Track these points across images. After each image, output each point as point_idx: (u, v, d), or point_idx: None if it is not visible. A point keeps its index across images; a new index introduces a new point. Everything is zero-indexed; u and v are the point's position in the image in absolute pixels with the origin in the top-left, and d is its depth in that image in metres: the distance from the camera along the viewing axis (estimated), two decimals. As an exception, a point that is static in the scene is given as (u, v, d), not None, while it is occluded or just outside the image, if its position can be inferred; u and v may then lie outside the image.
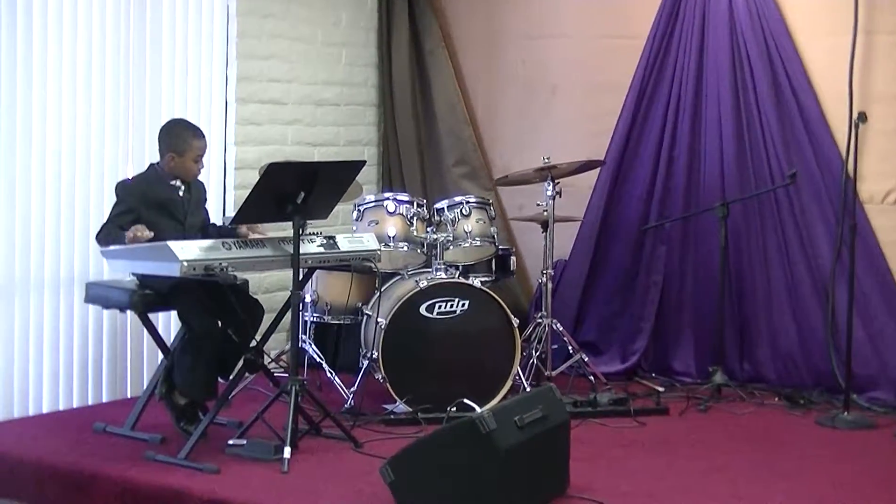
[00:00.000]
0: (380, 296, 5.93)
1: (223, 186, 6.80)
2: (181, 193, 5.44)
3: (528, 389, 5.96)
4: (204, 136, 5.50)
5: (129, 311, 5.44)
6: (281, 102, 7.13)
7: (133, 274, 5.34)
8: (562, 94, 7.39)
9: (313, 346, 6.39)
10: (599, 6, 7.24)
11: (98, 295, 5.51)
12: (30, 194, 5.79)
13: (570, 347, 6.54)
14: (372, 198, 6.33)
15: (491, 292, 5.98)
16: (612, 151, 7.05)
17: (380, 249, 5.61)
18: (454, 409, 5.37)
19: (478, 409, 5.13)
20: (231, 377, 5.45)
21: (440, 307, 5.90)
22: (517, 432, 4.39)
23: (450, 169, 7.68)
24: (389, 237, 6.13)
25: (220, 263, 4.88)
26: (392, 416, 5.75)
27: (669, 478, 4.95)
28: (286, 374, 5.59)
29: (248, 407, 5.63)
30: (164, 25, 6.40)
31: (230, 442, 5.17)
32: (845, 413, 5.92)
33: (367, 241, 5.56)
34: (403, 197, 6.33)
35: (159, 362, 5.63)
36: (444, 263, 6.16)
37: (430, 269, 6.15)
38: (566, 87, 7.38)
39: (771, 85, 6.59)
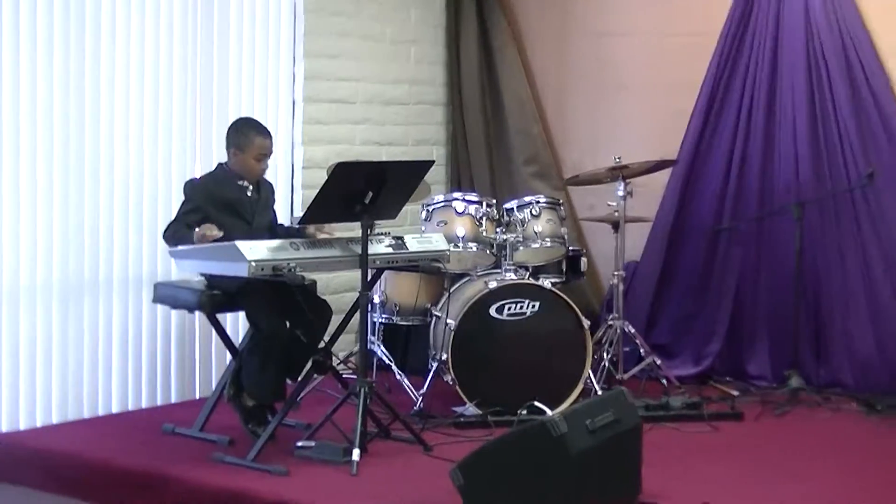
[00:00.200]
0: (449, 297, 5.88)
1: (291, 186, 6.78)
2: (249, 193, 5.42)
3: (599, 393, 5.89)
4: (270, 136, 5.47)
5: (197, 312, 5.45)
6: (349, 101, 7.10)
7: (201, 274, 5.34)
8: (633, 92, 7.30)
9: (382, 347, 6.36)
10: (670, 3, 7.15)
11: (166, 295, 5.52)
12: (98, 195, 5.81)
13: (641, 350, 6.47)
14: (440, 198, 6.29)
15: (561, 294, 5.90)
16: (684, 151, 6.94)
17: (449, 250, 5.57)
18: (524, 411, 5.34)
19: (548, 413, 5.09)
20: (299, 379, 5.42)
21: (510, 308, 5.83)
22: (588, 436, 4.33)
23: (519, 168, 7.60)
24: (458, 238, 6.08)
25: (288, 264, 4.86)
26: (461, 419, 5.70)
27: (744, 485, 4.86)
28: (354, 376, 5.55)
29: (317, 409, 5.60)
30: (231, 24, 6.40)
31: (299, 444, 5.15)
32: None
33: (436, 242, 5.52)
34: (472, 197, 6.29)
35: (228, 363, 5.64)
36: (513, 264, 6.10)
37: (499, 270, 6.09)
38: (637, 85, 7.29)
39: (848, 85, 6.47)
